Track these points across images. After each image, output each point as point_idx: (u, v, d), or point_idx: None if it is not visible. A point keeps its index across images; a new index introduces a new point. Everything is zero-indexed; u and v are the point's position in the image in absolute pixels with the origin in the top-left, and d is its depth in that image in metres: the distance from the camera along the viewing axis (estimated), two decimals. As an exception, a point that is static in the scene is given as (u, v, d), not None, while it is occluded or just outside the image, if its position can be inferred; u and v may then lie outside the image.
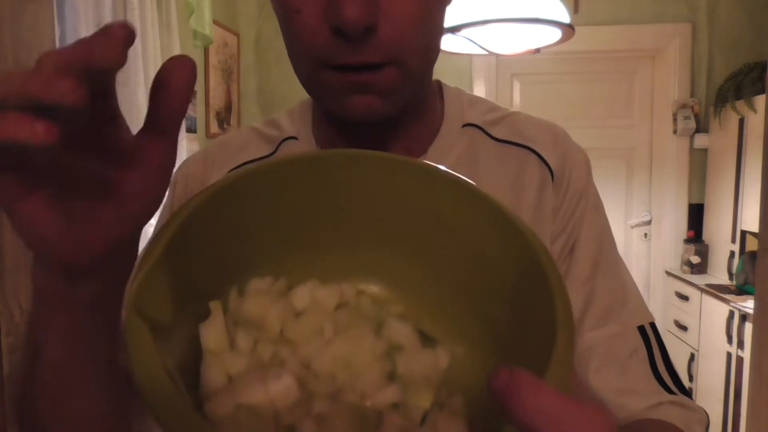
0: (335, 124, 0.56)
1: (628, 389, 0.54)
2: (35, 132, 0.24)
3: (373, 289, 0.34)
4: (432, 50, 0.50)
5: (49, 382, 0.38)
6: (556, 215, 0.57)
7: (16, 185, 0.28)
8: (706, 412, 0.56)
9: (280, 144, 0.60)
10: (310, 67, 0.48)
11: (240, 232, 0.32)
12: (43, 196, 0.28)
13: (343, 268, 0.34)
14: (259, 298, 0.32)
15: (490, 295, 0.31)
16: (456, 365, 0.32)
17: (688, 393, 0.56)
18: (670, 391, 0.55)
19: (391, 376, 0.32)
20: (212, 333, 0.31)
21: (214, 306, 0.32)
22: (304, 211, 0.34)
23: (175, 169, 0.48)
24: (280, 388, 0.29)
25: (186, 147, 2.14)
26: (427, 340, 0.33)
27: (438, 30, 0.50)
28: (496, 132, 0.59)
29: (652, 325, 0.57)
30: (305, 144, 0.59)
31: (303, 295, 0.33)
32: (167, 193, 0.55)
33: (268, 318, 0.32)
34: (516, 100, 3.25)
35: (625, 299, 0.57)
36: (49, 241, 0.29)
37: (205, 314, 0.31)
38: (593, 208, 0.59)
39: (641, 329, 0.56)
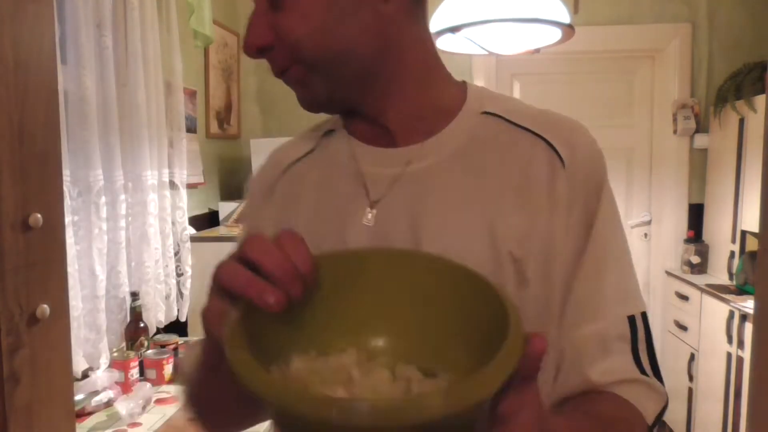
0: (344, 113, 0.67)
1: (605, 370, 0.58)
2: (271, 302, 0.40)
3: (380, 343, 0.46)
4: (339, 52, 0.58)
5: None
6: (572, 208, 0.59)
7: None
8: (667, 397, 0.60)
9: (320, 139, 0.70)
10: None
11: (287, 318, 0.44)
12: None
13: (357, 334, 0.47)
14: (303, 362, 0.44)
15: (469, 334, 0.43)
16: None
17: (661, 381, 0.60)
18: (643, 374, 0.58)
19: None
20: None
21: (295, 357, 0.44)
22: (330, 300, 0.46)
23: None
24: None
25: (185, 146, 2.14)
26: (427, 374, 0.43)
27: (347, 36, 0.57)
28: (515, 118, 0.63)
29: (643, 315, 0.61)
30: (339, 133, 0.69)
31: (332, 360, 0.45)
32: (246, 202, 0.75)
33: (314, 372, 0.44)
34: (516, 100, 3.25)
35: (625, 291, 0.61)
36: None
37: None
38: (608, 202, 0.62)
39: (631, 318, 0.60)
